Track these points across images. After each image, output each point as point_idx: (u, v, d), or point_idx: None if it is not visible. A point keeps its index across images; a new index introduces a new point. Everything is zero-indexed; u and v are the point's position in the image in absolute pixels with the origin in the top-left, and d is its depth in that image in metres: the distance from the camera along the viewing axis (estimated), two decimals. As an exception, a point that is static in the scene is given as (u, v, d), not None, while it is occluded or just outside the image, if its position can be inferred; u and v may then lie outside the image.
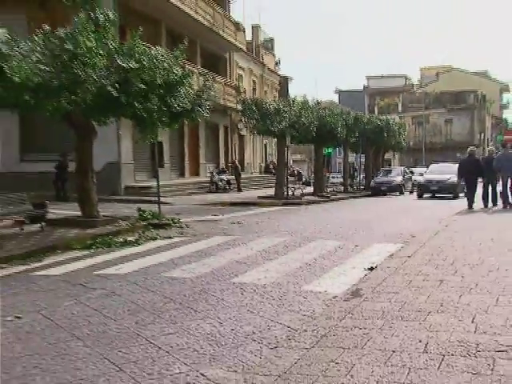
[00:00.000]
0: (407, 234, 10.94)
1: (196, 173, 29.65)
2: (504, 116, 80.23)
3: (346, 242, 10.21)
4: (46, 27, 10.76)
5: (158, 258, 8.71)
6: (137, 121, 12.83)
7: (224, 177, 28.28)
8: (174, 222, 13.14)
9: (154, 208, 14.22)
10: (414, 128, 61.68)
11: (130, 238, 10.86)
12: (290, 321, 5.12)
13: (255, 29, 44.25)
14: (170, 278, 7.12)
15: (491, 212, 15.21)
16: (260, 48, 44.04)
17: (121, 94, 11.22)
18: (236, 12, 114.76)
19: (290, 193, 24.05)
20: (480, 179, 16.56)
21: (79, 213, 12.69)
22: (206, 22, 28.51)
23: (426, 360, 3.69)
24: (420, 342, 4.05)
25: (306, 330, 4.52)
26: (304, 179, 42.15)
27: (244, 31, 38.14)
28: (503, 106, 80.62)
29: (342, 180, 34.30)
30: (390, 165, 49.85)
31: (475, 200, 16.03)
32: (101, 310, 5.63)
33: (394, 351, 3.87)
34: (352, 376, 3.47)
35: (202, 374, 3.89)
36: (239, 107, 26.54)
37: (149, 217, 13.41)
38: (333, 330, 4.40)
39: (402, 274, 6.46)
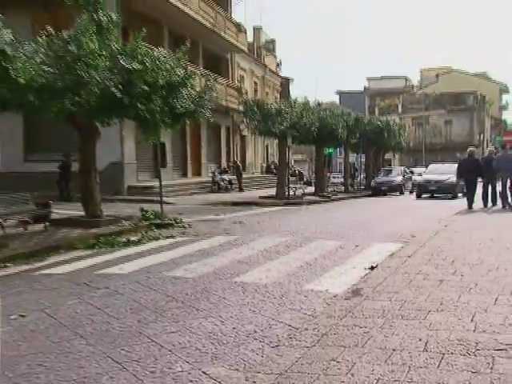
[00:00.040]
0: (407, 234, 10.96)
1: (198, 173, 29.70)
2: (503, 117, 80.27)
3: (346, 241, 10.23)
4: (50, 29, 10.86)
5: (160, 258, 8.76)
6: (140, 122, 12.88)
7: (226, 177, 28.32)
8: (177, 222, 13.20)
9: (157, 208, 14.26)
10: (414, 129, 61.56)
11: (132, 238, 10.91)
12: (291, 319, 5.14)
13: (257, 30, 44.31)
14: (173, 278, 7.16)
15: (491, 212, 15.23)
16: (261, 49, 44.08)
17: (124, 95, 11.27)
18: (237, 13, 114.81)
19: (291, 193, 24.04)
20: (480, 179, 16.61)
21: (82, 213, 12.76)
22: (207, 24, 28.56)
23: (426, 358, 3.72)
24: (420, 340, 4.08)
25: (306, 329, 4.55)
26: (305, 179, 42.23)
27: (245, 32, 38.17)
28: (502, 107, 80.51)
29: (342, 180, 34.32)
30: (390, 165, 49.71)
31: (475, 200, 16.07)
32: (104, 309, 5.67)
33: (394, 350, 3.91)
34: (352, 374, 3.50)
35: (204, 373, 3.92)
36: (241, 108, 26.61)
37: (151, 217, 13.46)
38: (333, 329, 4.43)
39: (402, 273, 6.49)
